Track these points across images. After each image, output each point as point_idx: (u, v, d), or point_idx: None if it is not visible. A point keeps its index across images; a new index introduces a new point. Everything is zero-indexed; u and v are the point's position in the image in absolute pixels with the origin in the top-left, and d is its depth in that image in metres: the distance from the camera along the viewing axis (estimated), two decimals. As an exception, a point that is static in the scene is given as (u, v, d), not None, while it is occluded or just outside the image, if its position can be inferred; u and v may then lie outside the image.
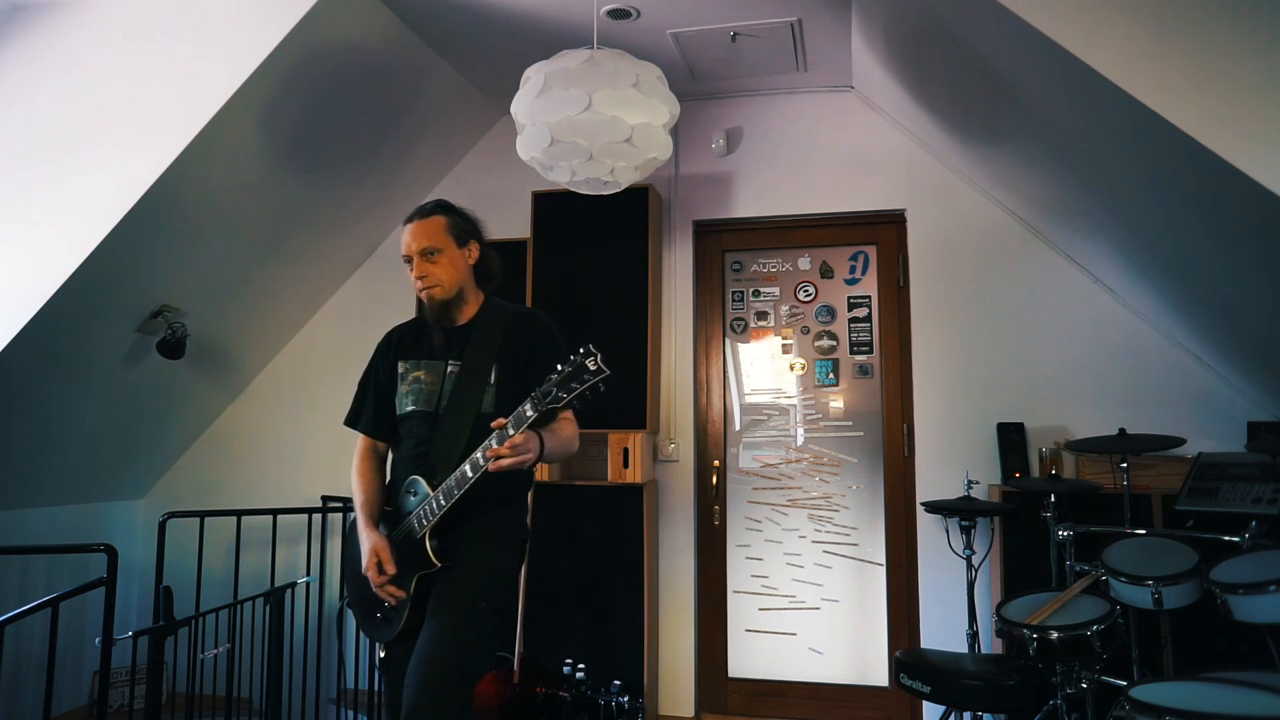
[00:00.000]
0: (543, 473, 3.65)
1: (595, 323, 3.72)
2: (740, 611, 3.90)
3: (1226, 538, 2.61)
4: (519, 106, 2.73)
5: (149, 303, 3.50)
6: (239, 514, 3.61)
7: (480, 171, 4.28)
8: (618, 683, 3.40)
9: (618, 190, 2.98)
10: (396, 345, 2.37)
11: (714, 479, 3.97)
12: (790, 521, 3.89)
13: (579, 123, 2.60)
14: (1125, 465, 2.98)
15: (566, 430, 2.18)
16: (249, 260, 3.79)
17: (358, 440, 2.39)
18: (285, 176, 3.55)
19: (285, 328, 4.36)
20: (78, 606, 2.89)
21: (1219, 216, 2.23)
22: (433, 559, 2.09)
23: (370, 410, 2.36)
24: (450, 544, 2.13)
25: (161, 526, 3.27)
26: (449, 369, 2.24)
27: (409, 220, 2.28)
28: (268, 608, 3.01)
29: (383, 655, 2.25)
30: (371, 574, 2.14)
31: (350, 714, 3.83)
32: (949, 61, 2.88)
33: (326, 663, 3.77)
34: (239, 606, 3.22)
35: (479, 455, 2.01)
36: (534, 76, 2.69)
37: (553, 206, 3.87)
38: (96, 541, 2.80)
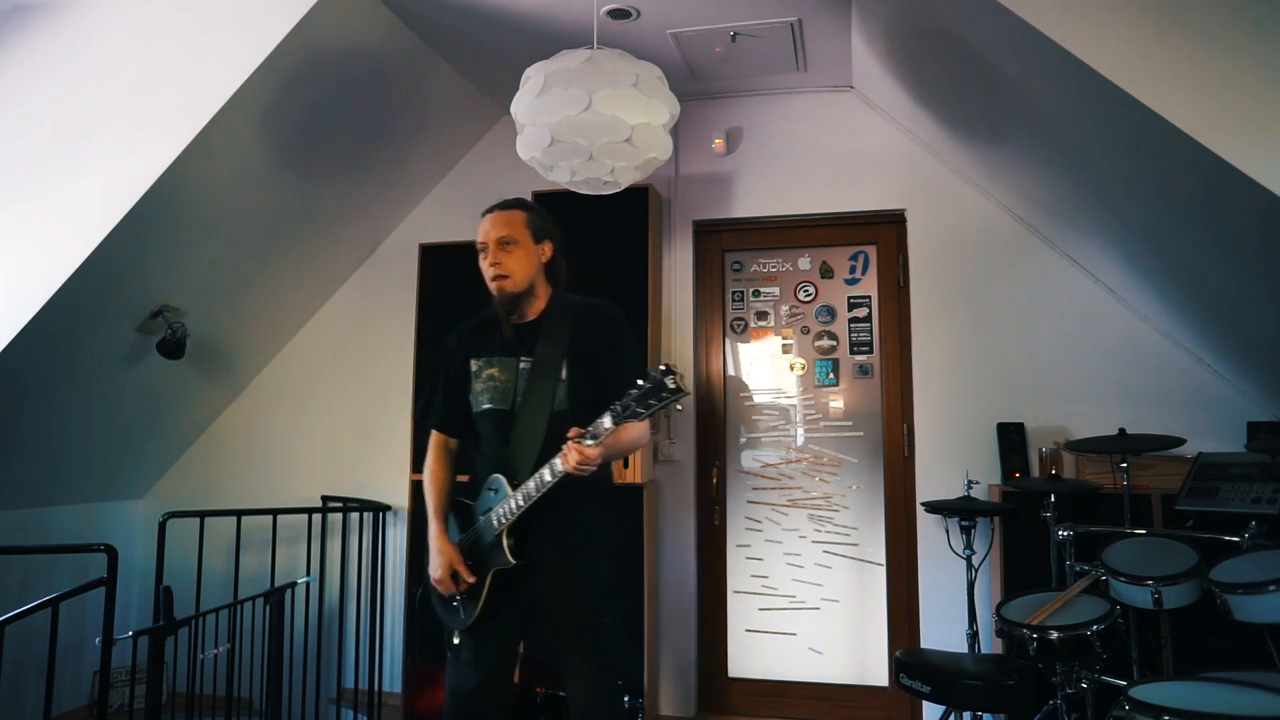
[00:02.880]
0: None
1: (595, 323, 3.71)
2: (740, 611, 3.90)
3: (1226, 538, 2.61)
4: (519, 106, 2.73)
5: (149, 303, 3.50)
6: (239, 514, 3.60)
7: (480, 171, 4.28)
8: (618, 683, 3.39)
9: (618, 190, 2.97)
10: (468, 341, 2.38)
11: (714, 479, 3.97)
12: (790, 521, 3.89)
13: (579, 123, 2.60)
14: (1125, 465, 2.98)
15: (632, 432, 2.12)
16: (249, 260, 3.79)
17: (431, 437, 2.42)
18: (285, 176, 3.55)
19: (285, 328, 4.36)
20: (78, 606, 2.88)
21: (1219, 216, 2.24)
22: (509, 557, 2.13)
23: (440, 406, 2.40)
24: (548, 548, 2.17)
25: (161, 526, 3.27)
26: (522, 365, 2.26)
27: (489, 211, 2.31)
28: (268, 608, 3.00)
29: (455, 642, 2.28)
30: (446, 585, 2.22)
31: (350, 714, 3.83)
32: (949, 61, 2.88)
33: (326, 663, 3.77)
34: (239, 606, 3.22)
35: (558, 461, 2.03)
36: (534, 76, 2.69)
37: (553, 206, 3.78)
38: (96, 541, 2.80)
